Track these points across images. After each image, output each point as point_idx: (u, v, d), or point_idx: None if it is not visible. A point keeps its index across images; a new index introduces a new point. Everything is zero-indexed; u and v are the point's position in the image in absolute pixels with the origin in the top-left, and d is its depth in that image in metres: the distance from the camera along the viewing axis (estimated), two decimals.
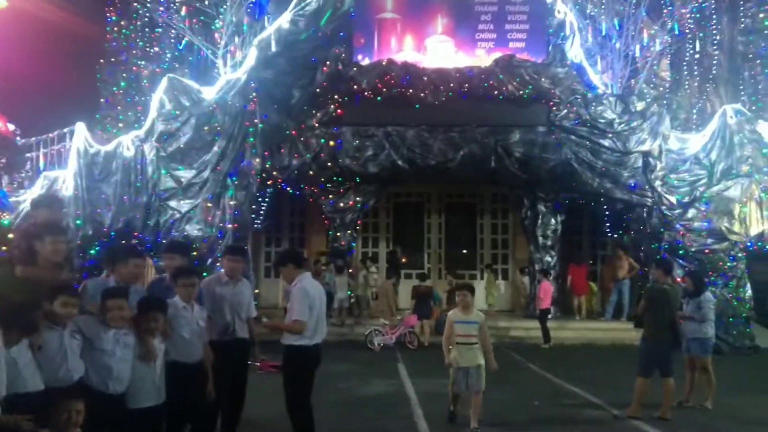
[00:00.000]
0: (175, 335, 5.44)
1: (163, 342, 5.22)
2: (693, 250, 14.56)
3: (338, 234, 16.48)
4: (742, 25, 17.01)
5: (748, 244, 14.59)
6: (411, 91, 14.85)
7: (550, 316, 14.89)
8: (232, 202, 14.04)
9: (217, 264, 13.77)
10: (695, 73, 17.00)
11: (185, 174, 13.84)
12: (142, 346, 5.00)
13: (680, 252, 14.58)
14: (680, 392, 8.76)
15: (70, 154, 13.55)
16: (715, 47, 17.03)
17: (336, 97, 14.99)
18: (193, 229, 13.70)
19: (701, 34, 16.98)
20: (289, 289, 6.69)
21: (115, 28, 16.42)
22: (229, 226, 13.92)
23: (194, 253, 13.07)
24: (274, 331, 6.48)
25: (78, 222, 12.93)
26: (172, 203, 13.74)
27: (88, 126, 13.94)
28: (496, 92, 14.97)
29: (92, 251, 12.73)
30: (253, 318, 6.72)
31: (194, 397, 5.52)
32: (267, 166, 14.68)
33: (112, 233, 13.16)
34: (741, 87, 16.83)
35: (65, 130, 14.12)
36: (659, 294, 8.42)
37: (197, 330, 5.69)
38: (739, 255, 14.52)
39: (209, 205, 13.84)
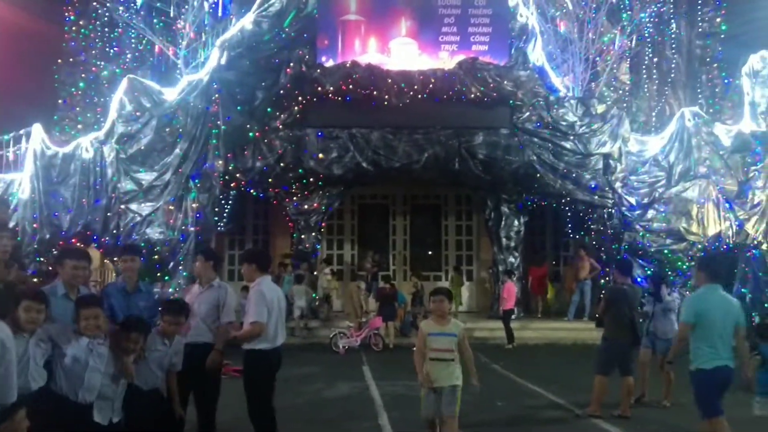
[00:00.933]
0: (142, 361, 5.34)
1: (136, 362, 5.10)
2: (652, 250, 14.86)
3: (302, 236, 16.34)
4: (700, 30, 17.42)
5: (706, 244, 14.91)
6: (375, 93, 14.85)
7: (513, 317, 15.03)
8: (194, 205, 13.91)
9: (179, 267, 13.63)
10: (654, 76, 17.35)
11: (146, 176, 13.69)
12: (117, 363, 4.88)
13: (640, 252, 14.87)
14: (635, 389, 8.88)
15: (26, 157, 13.30)
16: (673, 51, 17.40)
17: (300, 98, 14.89)
18: (154, 233, 13.57)
19: (660, 38, 17.33)
20: (243, 303, 6.56)
21: (74, 28, 16.10)
22: (192, 228, 13.80)
23: (156, 257, 12.92)
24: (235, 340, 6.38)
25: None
26: (133, 206, 13.59)
27: (45, 127, 13.72)
28: (459, 94, 15.05)
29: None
30: (226, 323, 6.36)
31: (141, 420, 5.33)
32: (230, 168, 14.53)
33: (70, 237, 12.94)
34: (698, 90, 17.25)
35: (21, 131, 13.87)
36: (618, 294, 8.55)
37: (166, 364, 5.58)
38: (697, 255, 14.82)
39: (171, 207, 13.71)
